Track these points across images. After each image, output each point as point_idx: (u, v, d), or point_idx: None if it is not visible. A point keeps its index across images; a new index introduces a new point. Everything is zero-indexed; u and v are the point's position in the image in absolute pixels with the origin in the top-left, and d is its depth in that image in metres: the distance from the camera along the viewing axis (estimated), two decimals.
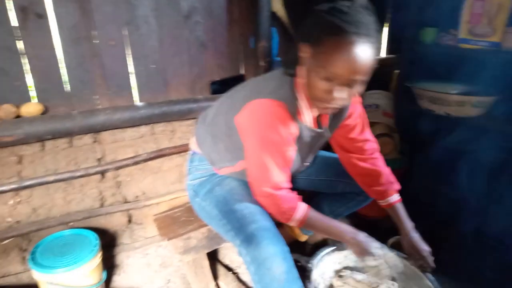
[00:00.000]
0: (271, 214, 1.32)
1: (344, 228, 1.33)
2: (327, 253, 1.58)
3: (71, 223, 1.94)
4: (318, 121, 1.38)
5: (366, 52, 1.03)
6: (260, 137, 1.19)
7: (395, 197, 1.53)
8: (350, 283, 1.55)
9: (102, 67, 1.93)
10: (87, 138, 1.96)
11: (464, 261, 1.73)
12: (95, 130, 1.91)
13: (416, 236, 1.47)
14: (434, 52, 2.17)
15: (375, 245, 1.33)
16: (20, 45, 1.72)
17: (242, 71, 2.42)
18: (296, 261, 1.30)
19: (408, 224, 1.49)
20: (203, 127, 1.51)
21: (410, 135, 2.38)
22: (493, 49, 1.94)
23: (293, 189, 1.30)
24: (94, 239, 1.74)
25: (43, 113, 1.82)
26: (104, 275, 1.76)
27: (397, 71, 2.58)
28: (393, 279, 1.58)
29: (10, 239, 1.83)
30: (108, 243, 2.09)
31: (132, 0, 1.93)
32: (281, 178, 1.24)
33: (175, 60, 2.14)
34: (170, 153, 2.16)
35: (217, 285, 1.85)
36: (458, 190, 1.96)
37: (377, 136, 2.00)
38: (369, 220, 2.37)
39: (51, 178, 1.83)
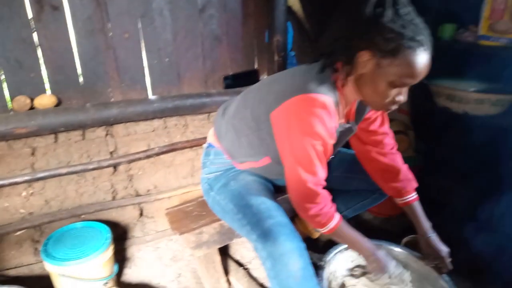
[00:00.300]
0: (295, 210, 1.30)
1: (366, 244, 1.33)
2: (340, 251, 1.56)
3: (83, 216, 1.95)
4: (346, 116, 1.36)
5: (430, 56, 1.10)
6: (307, 132, 1.15)
7: (413, 196, 1.50)
8: (362, 281, 1.52)
9: (115, 60, 1.92)
10: (100, 131, 1.95)
11: (481, 261, 1.70)
12: (108, 123, 1.91)
13: (434, 236, 1.45)
14: (452, 48, 2.13)
15: (393, 264, 1.35)
16: (35, 37, 1.71)
17: (256, 66, 2.39)
18: None
19: (425, 223, 1.47)
20: (224, 120, 1.48)
21: (426, 133, 2.34)
22: None
23: None
24: (105, 232, 1.74)
25: (57, 105, 1.82)
26: (115, 268, 1.76)
27: None
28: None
29: (23, 231, 1.84)
30: (120, 236, 2.09)
31: None
32: (323, 174, 1.22)
33: (188, 54, 2.12)
34: (182, 147, 2.15)
35: (228, 280, 1.84)
36: (474, 189, 1.92)
37: None
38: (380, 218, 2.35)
39: (64, 171, 1.83)
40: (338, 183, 1.73)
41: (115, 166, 2.01)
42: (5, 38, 1.65)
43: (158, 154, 2.09)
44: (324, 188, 1.26)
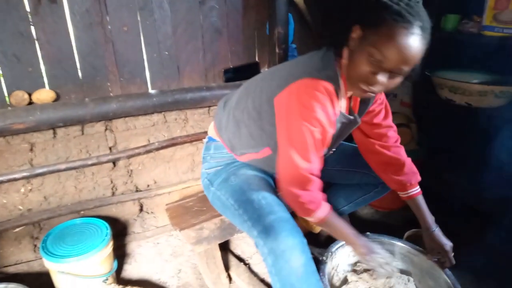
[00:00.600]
0: (289, 206, 1.27)
1: (351, 231, 1.31)
2: (341, 246, 1.55)
3: (82, 212, 1.93)
4: (349, 107, 1.34)
5: (420, 45, 1.03)
6: (306, 115, 1.13)
7: (417, 189, 1.48)
8: (364, 278, 1.51)
9: (114, 54, 1.89)
10: (99, 126, 1.93)
11: (483, 255, 1.68)
12: (107, 117, 1.88)
13: (437, 230, 1.44)
14: (455, 39, 2.10)
15: (378, 246, 1.35)
16: (33, 30, 1.69)
17: (257, 59, 2.36)
18: None
19: (429, 217, 1.46)
20: (225, 112, 1.47)
21: (429, 125, 2.31)
22: None
23: None
24: (105, 228, 1.72)
25: (55, 100, 1.79)
26: (115, 264, 1.75)
27: None
28: (409, 274, 1.55)
29: (22, 227, 1.82)
30: (119, 232, 2.08)
31: None
32: (317, 164, 1.20)
33: (188, 47, 2.09)
34: (182, 142, 2.13)
35: (228, 275, 1.83)
36: (477, 183, 1.90)
37: None
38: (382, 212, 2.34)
39: (63, 166, 1.81)
40: (340, 177, 1.72)
41: (114, 162, 1.99)
42: (2, 32, 1.62)
43: (158, 149, 2.07)
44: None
